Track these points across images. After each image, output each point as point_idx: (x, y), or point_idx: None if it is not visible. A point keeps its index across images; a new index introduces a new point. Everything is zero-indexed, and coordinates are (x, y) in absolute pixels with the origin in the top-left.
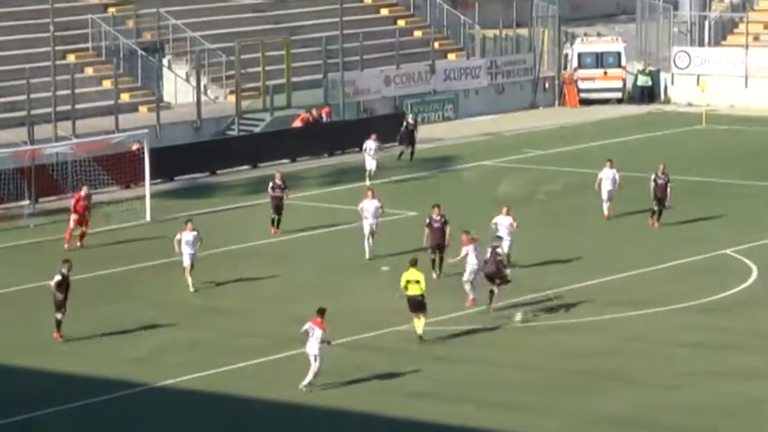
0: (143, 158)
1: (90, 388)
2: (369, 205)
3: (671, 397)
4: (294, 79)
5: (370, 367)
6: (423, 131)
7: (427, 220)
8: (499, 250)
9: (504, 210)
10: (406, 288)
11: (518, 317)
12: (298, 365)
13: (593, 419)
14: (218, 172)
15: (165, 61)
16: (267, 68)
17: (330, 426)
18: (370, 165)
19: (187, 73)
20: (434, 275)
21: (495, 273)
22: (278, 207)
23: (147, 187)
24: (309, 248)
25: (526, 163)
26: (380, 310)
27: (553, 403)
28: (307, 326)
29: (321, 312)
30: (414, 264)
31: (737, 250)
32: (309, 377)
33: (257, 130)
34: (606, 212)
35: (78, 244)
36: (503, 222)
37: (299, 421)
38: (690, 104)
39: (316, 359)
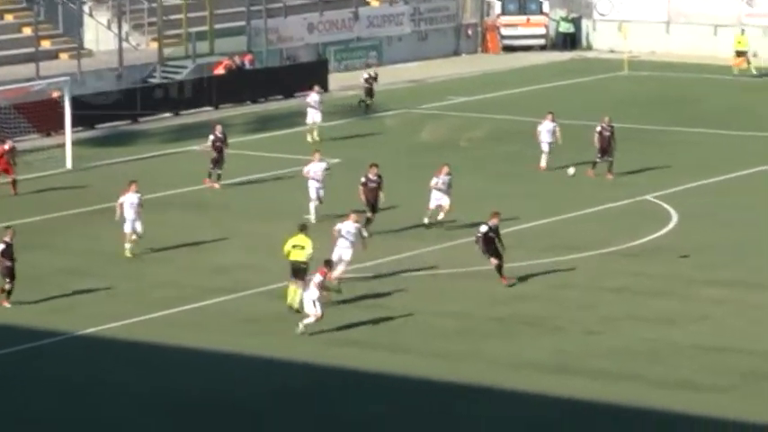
0: (64, 106)
1: (11, 337)
2: (316, 167)
3: (594, 342)
4: (217, 26)
5: (294, 315)
6: (346, 79)
7: (363, 180)
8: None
9: (445, 169)
10: (289, 254)
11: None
12: (220, 313)
13: (516, 365)
14: (140, 120)
15: (85, 8)
16: (189, 15)
17: (253, 372)
18: (315, 117)
19: (108, 20)
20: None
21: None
22: (217, 160)
23: (68, 135)
24: (232, 197)
25: (450, 110)
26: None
27: (476, 349)
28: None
29: (328, 264)
30: (302, 229)
31: (658, 196)
32: (306, 321)
33: (179, 77)
34: (543, 164)
35: (13, 192)
36: (444, 180)
37: (222, 369)
38: (612, 51)
39: (314, 306)
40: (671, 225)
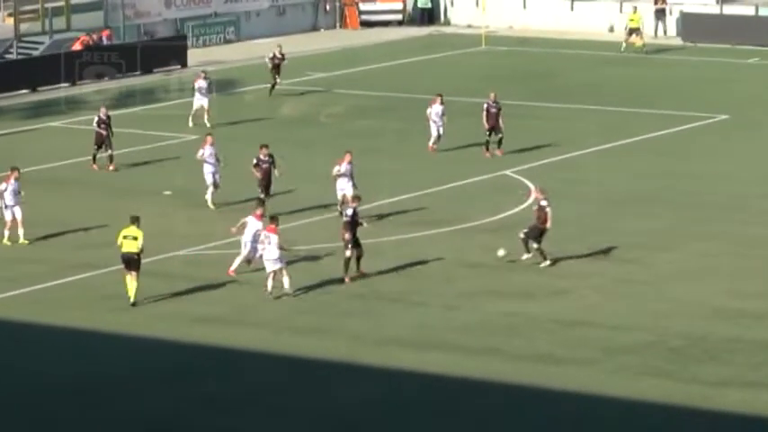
0: None
1: None
2: (209, 151)
3: (453, 317)
4: (74, 2)
5: (153, 293)
6: (204, 54)
7: (255, 161)
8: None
9: (348, 157)
10: (121, 245)
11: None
12: (79, 291)
13: (377, 341)
14: None
15: None
16: None
17: (115, 351)
18: (203, 102)
19: None
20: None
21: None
22: (102, 143)
23: None
24: (94, 174)
25: (308, 85)
26: (162, 234)
27: (338, 326)
28: (262, 235)
29: (274, 219)
30: (134, 221)
31: (517, 171)
32: (287, 282)
33: (36, 53)
34: (433, 145)
35: None
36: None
37: (85, 346)
38: (470, 26)
39: (281, 261)
40: (530, 200)
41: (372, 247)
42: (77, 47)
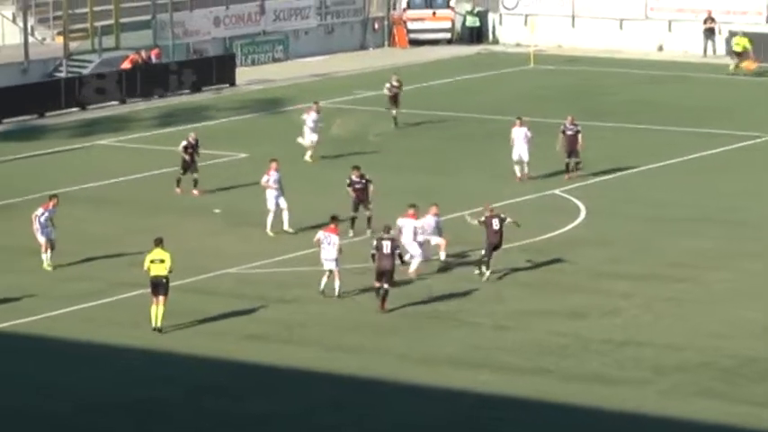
0: None
1: None
2: (275, 177)
3: (504, 336)
4: (123, 20)
5: (204, 310)
6: (253, 72)
7: (348, 181)
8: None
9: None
10: (149, 270)
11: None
12: (130, 308)
13: (427, 360)
14: (47, 114)
15: None
16: (95, 9)
17: (165, 368)
18: (312, 138)
19: (14, 14)
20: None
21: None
22: (188, 166)
23: None
24: (139, 191)
25: (357, 104)
26: (214, 252)
27: (387, 344)
28: (320, 234)
29: (334, 219)
30: (158, 243)
31: (566, 190)
32: (338, 285)
33: (86, 71)
34: (519, 174)
35: None
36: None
37: (134, 363)
38: (518, 45)
39: (337, 264)
40: (579, 219)
41: (423, 266)
42: (127, 65)
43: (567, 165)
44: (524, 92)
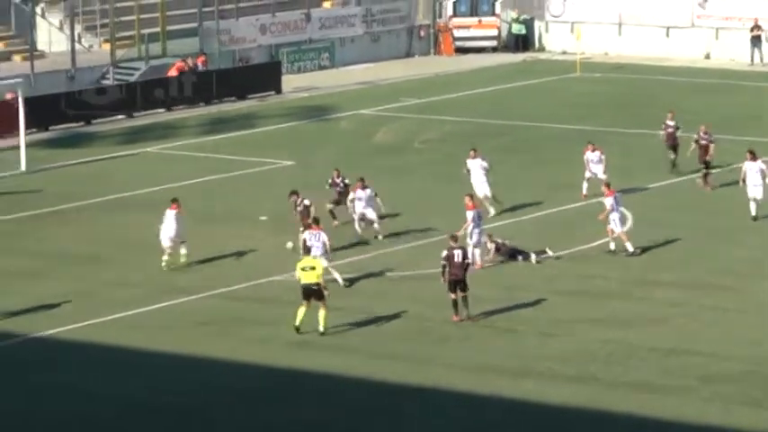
0: (18, 108)
1: None
2: (361, 195)
3: (549, 344)
4: (169, 28)
5: (250, 317)
6: (299, 80)
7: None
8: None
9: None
10: (300, 278)
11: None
12: (174, 315)
13: (473, 368)
14: (93, 122)
15: (38, 9)
16: (142, 17)
17: (211, 375)
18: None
19: (61, 21)
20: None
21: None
22: (338, 201)
23: (22, 137)
24: (186, 198)
25: (403, 112)
26: (259, 259)
27: (434, 353)
28: (306, 235)
29: (317, 221)
30: (307, 251)
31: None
32: (339, 277)
33: (132, 79)
34: (585, 192)
35: None
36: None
37: (180, 370)
38: (564, 52)
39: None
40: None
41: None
42: (173, 72)
43: (705, 174)
44: (570, 99)
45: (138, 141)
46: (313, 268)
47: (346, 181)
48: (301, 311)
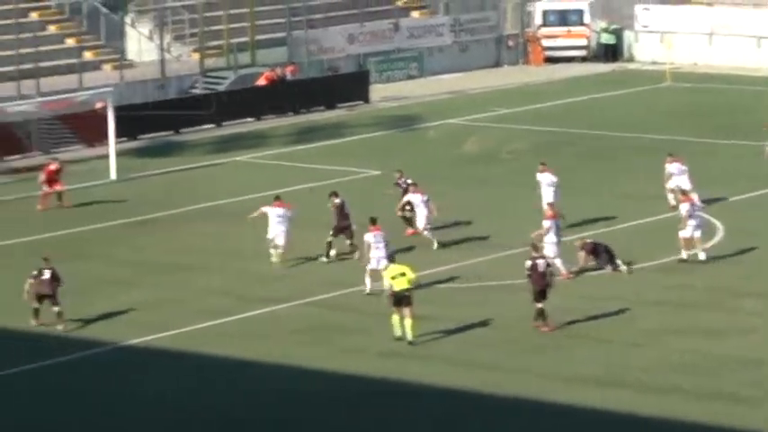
0: (107, 117)
1: (57, 347)
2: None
3: (637, 355)
4: (258, 37)
5: (341, 325)
6: (387, 89)
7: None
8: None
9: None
10: (392, 285)
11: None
12: (265, 324)
13: (561, 378)
14: (182, 130)
15: (127, 19)
16: (231, 26)
17: (301, 384)
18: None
19: (150, 31)
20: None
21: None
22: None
23: (112, 146)
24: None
25: (491, 121)
26: (349, 268)
27: (525, 362)
28: (369, 237)
29: (374, 221)
30: (392, 259)
31: (703, 209)
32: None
33: (221, 88)
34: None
35: (60, 202)
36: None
37: (269, 380)
38: (654, 62)
39: (385, 261)
40: (717, 238)
41: (557, 284)
42: (262, 82)
43: None
44: (660, 109)
45: (227, 150)
46: (403, 274)
47: (409, 181)
48: (395, 320)
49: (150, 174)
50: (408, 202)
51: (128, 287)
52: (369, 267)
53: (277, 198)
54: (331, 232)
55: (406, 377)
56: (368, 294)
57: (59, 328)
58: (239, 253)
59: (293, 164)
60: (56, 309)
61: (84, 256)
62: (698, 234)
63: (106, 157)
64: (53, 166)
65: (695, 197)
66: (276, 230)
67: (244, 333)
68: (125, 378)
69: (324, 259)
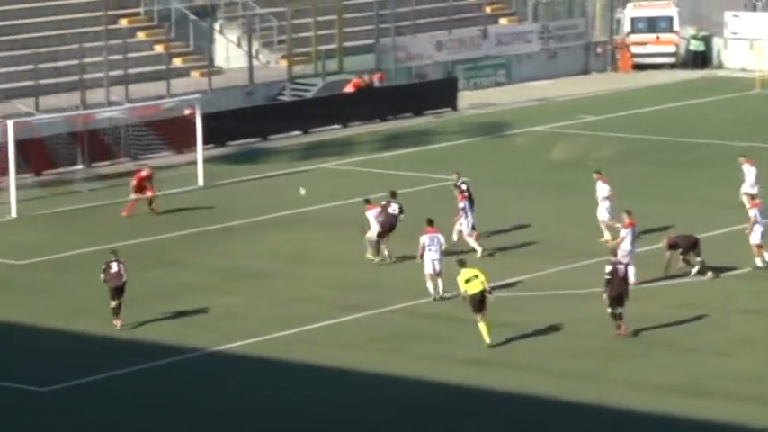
0: (195, 123)
1: (145, 353)
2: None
3: (725, 364)
4: (346, 44)
5: (423, 333)
6: (475, 96)
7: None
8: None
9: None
10: (467, 290)
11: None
12: (350, 331)
13: (646, 386)
14: (270, 137)
15: (216, 26)
16: (319, 33)
17: (387, 392)
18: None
19: (239, 37)
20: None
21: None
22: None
23: (200, 153)
24: (361, 214)
25: (579, 129)
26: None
27: (606, 369)
28: (424, 239)
29: (431, 222)
30: (462, 264)
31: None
32: (442, 286)
33: (309, 95)
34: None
35: (152, 208)
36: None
37: (354, 387)
38: (743, 69)
39: (439, 263)
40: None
41: (641, 291)
42: (350, 89)
43: None
44: (749, 117)
45: (313, 157)
46: (476, 276)
47: (463, 186)
48: (483, 327)
49: (237, 180)
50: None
51: (215, 293)
52: (426, 272)
53: (367, 201)
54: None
55: (485, 384)
56: (436, 300)
57: (116, 324)
58: (324, 260)
59: (379, 171)
60: (114, 303)
61: (171, 262)
62: (759, 241)
63: (194, 163)
64: (144, 173)
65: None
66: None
67: (328, 340)
68: (213, 384)
69: (374, 259)
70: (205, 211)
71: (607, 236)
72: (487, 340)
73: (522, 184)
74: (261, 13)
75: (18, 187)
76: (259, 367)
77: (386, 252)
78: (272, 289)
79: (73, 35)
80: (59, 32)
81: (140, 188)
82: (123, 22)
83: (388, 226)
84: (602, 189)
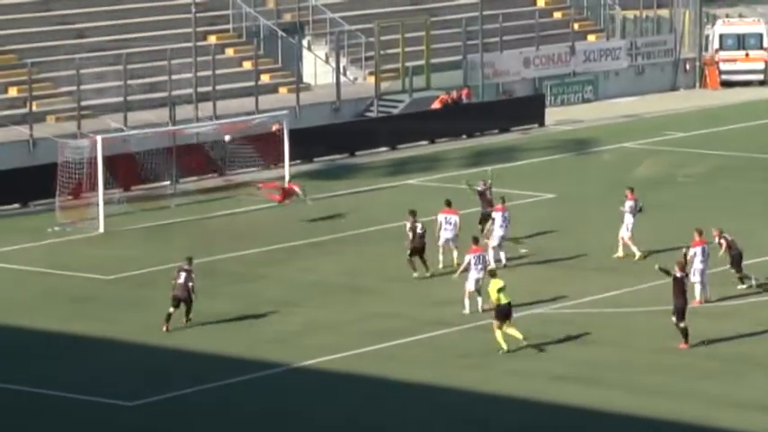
0: (283, 139)
1: (229, 368)
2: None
3: None
4: (433, 61)
5: (512, 350)
6: (562, 113)
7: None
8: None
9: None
10: (499, 299)
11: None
12: (435, 347)
13: (735, 405)
14: (357, 153)
15: (304, 42)
16: (406, 50)
17: (470, 409)
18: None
19: (326, 54)
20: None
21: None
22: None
23: (287, 168)
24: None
25: (666, 145)
26: (519, 292)
27: (695, 388)
28: (470, 257)
29: (477, 240)
30: (493, 274)
31: None
32: (481, 302)
33: (396, 111)
34: None
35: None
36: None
37: (437, 404)
38: None
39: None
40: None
41: (731, 309)
42: (437, 105)
43: None
44: None
45: (400, 173)
46: (505, 287)
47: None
48: (499, 335)
49: (324, 196)
50: (491, 217)
51: (299, 308)
52: (468, 289)
53: (448, 204)
54: (409, 252)
55: (571, 401)
56: (470, 313)
57: (164, 328)
58: (408, 276)
59: (463, 188)
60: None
61: (256, 277)
62: None
63: (281, 179)
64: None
65: None
66: (444, 236)
67: (411, 356)
68: (298, 400)
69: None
70: (290, 226)
71: (620, 252)
72: (504, 347)
73: (606, 200)
74: (349, 29)
75: (106, 202)
76: (344, 383)
77: (423, 268)
78: (357, 304)
79: (162, 51)
80: (148, 48)
81: (286, 193)
82: (212, 39)
83: (420, 246)
84: (627, 206)
